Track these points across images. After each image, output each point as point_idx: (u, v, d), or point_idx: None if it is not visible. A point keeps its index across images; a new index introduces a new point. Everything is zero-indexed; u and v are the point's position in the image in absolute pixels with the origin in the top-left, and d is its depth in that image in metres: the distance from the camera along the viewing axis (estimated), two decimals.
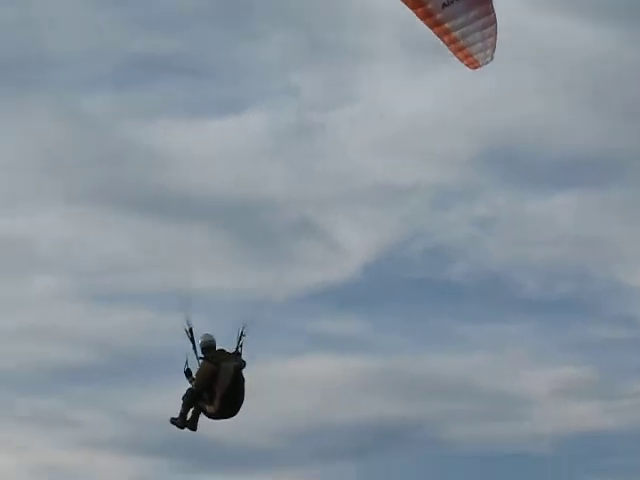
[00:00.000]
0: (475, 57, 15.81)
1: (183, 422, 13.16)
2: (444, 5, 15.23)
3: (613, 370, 36.46)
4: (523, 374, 36.99)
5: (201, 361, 12.96)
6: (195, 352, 13.07)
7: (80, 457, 34.39)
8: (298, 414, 36.25)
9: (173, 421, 13.14)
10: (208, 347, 13.03)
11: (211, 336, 13.05)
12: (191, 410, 13.23)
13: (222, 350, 13.06)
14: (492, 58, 15.93)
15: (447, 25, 15.66)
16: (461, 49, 15.79)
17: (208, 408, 12.93)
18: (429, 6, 15.13)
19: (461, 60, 15.84)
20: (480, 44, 15.85)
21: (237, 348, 13.00)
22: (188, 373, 13.13)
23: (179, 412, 13.09)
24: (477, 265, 38.39)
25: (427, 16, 15.28)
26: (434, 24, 15.51)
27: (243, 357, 12.95)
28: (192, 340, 13.03)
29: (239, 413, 12.93)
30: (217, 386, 12.69)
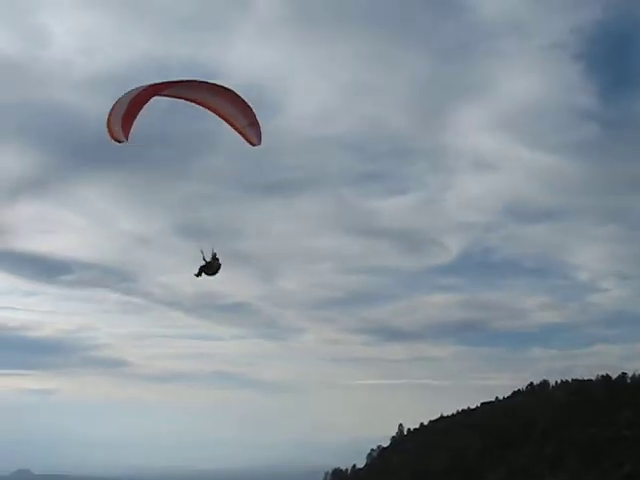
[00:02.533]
0: (250, 139, 26.46)
1: (197, 275, 26.61)
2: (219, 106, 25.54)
3: None
4: None
5: (210, 260, 26.59)
6: (205, 260, 26.49)
7: None
8: None
9: (196, 275, 26.62)
10: (213, 256, 26.48)
11: (215, 253, 26.44)
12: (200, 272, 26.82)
13: (215, 256, 26.54)
14: (260, 142, 26.56)
15: (227, 117, 25.87)
16: (240, 132, 26.27)
17: (207, 273, 26.61)
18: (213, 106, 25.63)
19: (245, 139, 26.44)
20: (250, 130, 26.27)
21: (215, 256, 26.57)
22: (205, 261, 26.41)
23: (197, 273, 26.56)
24: None
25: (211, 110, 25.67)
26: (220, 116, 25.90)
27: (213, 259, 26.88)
28: (204, 260, 26.53)
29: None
30: (212, 267, 27.05)
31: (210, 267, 26.44)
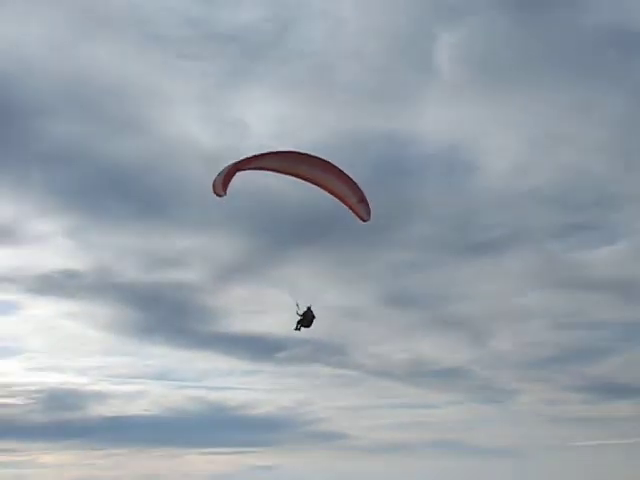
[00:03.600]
0: (360, 215, 26.93)
1: (296, 329, 27.44)
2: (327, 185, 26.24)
3: None
4: None
5: (305, 310, 27.16)
6: (299, 314, 27.15)
7: None
8: None
9: (295, 329, 27.54)
10: (309, 308, 27.08)
11: (309, 305, 27.20)
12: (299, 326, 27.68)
13: (309, 308, 27.18)
14: (369, 218, 27.02)
15: (336, 192, 26.66)
16: (351, 208, 26.86)
17: (304, 325, 27.39)
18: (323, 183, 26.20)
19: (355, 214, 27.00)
20: (360, 207, 26.69)
21: (308, 308, 27.13)
22: (299, 315, 27.22)
23: (295, 327, 27.46)
24: None
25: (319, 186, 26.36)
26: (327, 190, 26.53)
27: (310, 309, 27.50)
28: (298, 314, 27.24)
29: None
30: (307, 318, 27.41)
31: (305, 318, 27.59)
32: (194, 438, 71.45)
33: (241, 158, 24.69)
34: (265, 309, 71.31)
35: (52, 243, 68.62)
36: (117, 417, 70.16)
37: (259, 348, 71.86)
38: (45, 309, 74.04)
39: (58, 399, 70.39)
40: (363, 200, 26.54)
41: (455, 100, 71.65)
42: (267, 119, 68.44)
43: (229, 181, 24.43)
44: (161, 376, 76.27)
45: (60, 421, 68.61)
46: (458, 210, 72.20)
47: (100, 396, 71.94)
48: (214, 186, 24.82)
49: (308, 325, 27.70)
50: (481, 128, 74.44)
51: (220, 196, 24.81)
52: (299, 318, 27.48)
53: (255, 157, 24.83)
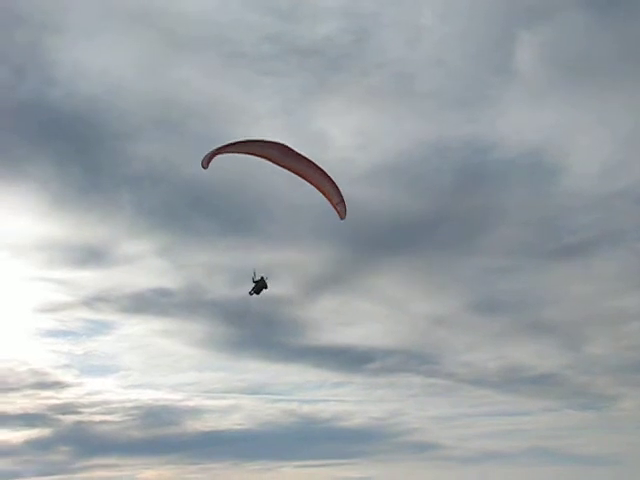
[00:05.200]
0: (339, 213, 29.15)
1: (250, 293, 30.03)
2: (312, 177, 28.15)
3: None
4: None
5: (260, 279, 29.86)
6: (254, 281, 29.86)
7: None
8: None
9: (249, 293, 30.22)
10: (262, 277, 29.67)
11: (263, 275, 29.96)
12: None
13: (263, 277, 29.82)
14: (344, 216, 29.10)
15: (320, 187, 28.64)
16: (333, 206, 29.00)
17: (255, 292, 29.99)
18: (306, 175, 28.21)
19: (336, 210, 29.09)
20: (340, 207, 28.88)
21: (261, 277, 29.91)
22: (254, 281, 29.90)
23: (250, 292, 29.90)
24: None
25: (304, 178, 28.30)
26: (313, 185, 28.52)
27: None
28: (254, 281, 29.91)
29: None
30: (260, 285, 29.95)
31: (257, 285, 30.48)
32: (287, 451, 71.76)
33: (231, 141, 26.65)
34: (354, 320, 71.29)
35: (144, 263, 70.20)
36: (212, 432, 71.01)
37: (349, 360, 71.98)
38: (139, 327, 75.72)
39: (154, 415, 71.71)
40: (342, 201, 29.27)
41: (538, 102, 70.49)
42: (349, 130, 68.71)
43: (212, 158, 27.03)
44: (254, 390, 76.98)
45: (157, 436, 69.86)
46: (546, 213, 70.93)
47: (195, 411, 72.96)
48: (202, 160, 27.17)
49: (258, 292, 30.70)
50: (566, 130, 73.05)
51: (204, 168, 27.26)
52: (253, 285, 30.53)
53: (245, 142, 27.18)
